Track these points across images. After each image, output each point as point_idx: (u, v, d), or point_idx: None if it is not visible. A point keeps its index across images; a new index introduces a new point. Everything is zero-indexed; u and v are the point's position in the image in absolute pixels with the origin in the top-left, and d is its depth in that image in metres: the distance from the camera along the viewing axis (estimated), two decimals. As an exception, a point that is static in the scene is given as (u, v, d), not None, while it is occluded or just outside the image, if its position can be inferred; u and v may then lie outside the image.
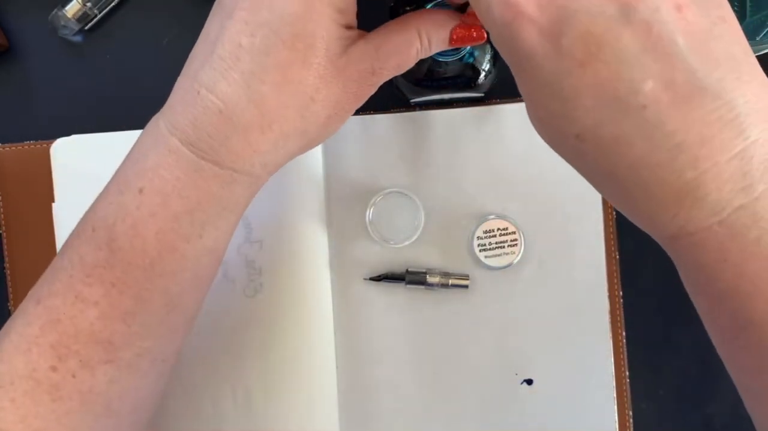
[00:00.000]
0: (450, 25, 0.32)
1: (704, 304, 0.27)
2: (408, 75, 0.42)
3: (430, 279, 0.44)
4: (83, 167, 0.45)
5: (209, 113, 0.29)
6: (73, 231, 0.32)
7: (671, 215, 0.25)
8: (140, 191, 0.30)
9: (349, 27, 0.31)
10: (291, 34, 0.29)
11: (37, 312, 0.31)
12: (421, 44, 0.32)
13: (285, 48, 0.29)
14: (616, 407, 0.45)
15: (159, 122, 0.31)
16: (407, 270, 0.45)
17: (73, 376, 0.31)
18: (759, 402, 0.28)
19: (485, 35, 0.32)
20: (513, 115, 0.45)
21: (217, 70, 0.29)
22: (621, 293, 0.45)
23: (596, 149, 0.25)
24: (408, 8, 0.35)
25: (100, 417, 0.32)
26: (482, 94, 0.44)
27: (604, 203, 0.45)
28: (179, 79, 0.32)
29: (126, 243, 0.30)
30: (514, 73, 0.27)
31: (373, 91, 0.33)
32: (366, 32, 0.32)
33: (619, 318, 0.45)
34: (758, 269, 0.24)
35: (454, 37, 0.32)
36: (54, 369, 0.30)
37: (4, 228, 0.46)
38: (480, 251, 0.45)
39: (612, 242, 0.45)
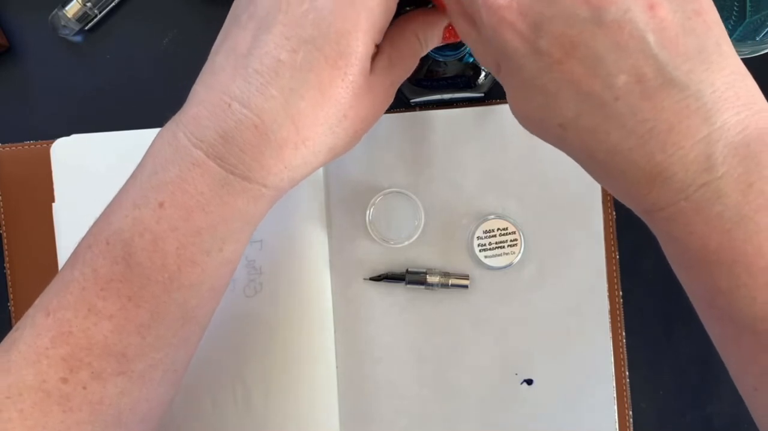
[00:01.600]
0: (442, 24, 0.34)
1: (681, 275, 0.29)
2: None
3: (430, 279, 0.44)
4: (83, 167, 0.45)
5: (242, 127, 0.29)
6: (83, 242, 0.32)
7: (644, 193, 0.27)
8: (160, 205, 0.30)
9: (375, 45, 0.31)
10: (335, 51, 0.29)
11: (47, 324, 0.30)
12: (420, 46, 0.34)
13: (327, 65, 0.29)
14: (616, 407, 0.45)
15: (177, 133, 0.30)
16: (407, 270, 0.45)
17: (84, 388, 0.30)
18: (739, 371, 0.29)
19: None
20: (513, 115, 0.45)
21: (253, 85, 0.29)
22: (621, 293, 0.45)
23: (577, 137, 0.27)
24: (408, 8, 0.36)
25: (110, 427, 0.32)
26: (482, 95, 0.44)
27: (604, 203, 0.45)
28: (199, 89, 0.30)
29: (144, 258, 0.30)
30: (502, 72, 0.29)
31: (390, 102, 0.34)
32: None
33: (619, 318, 0.45)
34: (720, 241, 0.26)
35: (446, 34, 0.34)
36: (65, 380, 0.30)
37: (4, 228, 0.46)
38: (480, 251, 0.45)
39: (612, 242, 0.45)
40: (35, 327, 0.31)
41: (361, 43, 0.29)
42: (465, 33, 0.30)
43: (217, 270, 0.32)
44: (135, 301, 0.30)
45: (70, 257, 0.32)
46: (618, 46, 0.25)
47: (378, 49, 0.32)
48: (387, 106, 0.34)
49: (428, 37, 0.34)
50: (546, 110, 0.27)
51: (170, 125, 0.31)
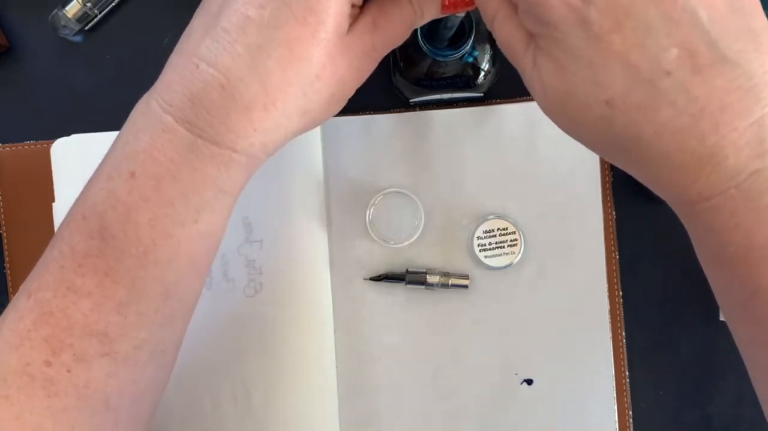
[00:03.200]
0: None
1: (716, 273, 0.28)
2: (408, 75, 0.42)
3: (430, 279, 0.44)
4: (83, 167, 0.44)
5: (209, 88, 0.28)
6: (64, 221, 0.31)
7: (691, 180, 0.26)
8: (132, 175, 0.29)
9: (354, 5, 0.31)
10: (304, 7, 0.28)
11: (28, 306, 0.30)
12: (416, 15, 0.32)
13: (296, 22, 0.28)
14: (616, 407, 0.45)
15: (150, 101, 0.30)
16: (407, 270, 0.45)
17: (68, 371, 0.30)
18: (766, 376, 0.28)
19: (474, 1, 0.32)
20: (513, 115, 0.45)
21: (220, 44, 0.28)
22: (621, 293, 0.45)
23: (624, 115, 0.26)
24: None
25: (99, 412, 0.31)
26: (482, 94, 0.44)
27: (604, 203, 0.45)
28: (172, 56, 0.30)
29: (119, 231, 0.29)
30: (538, 49, 0.27)
31: (373, 67, 0.33)
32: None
33: (619, 318, 0.45)
34: None
35: (446, 3, 0.32)
36: (48, 363, 0.30)
37: (4, 228, 0.46)
38: (480, 251, 0.45)
39: (612, 242, 0.45)
40: (18, 311, 0.30)
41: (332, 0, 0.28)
42: (491, 13, 0.29)
43: (194, 244, 0.31)
44: (112, 277, 0.30)
45: (52, 238, 0.31)
46: (671, 19, 0.24)
47: (362, 11, 0.31)
48: (368, 72, 0.32)
49: (425, 6, 0.32)
50: (592, 85, 0.26)
51: (146, 95, 0.31)
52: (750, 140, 0.24)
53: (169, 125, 0.29)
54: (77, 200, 0.31)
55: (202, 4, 0.31)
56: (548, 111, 0.29)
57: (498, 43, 0.30)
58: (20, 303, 0.31)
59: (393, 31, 0.32)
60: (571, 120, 0.28)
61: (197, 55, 0.29)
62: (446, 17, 0.34)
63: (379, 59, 0.32)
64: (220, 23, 0.28)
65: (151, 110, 0.29)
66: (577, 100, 0.27)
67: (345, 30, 0.30)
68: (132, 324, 0.31)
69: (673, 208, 0.28)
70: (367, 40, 0.31)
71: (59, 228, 0.31)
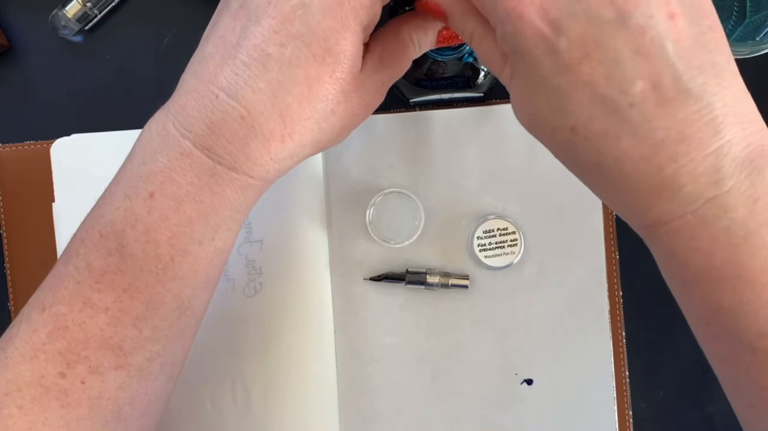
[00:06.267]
0: (437, 27, 0.34)
1: (679, 292, 0.29)
2: (408, 75, 0.42)
3: (430, 279, 0.44)
4: (83, 167, 0.45)
5: (229, 118, 0.29)
6: (76, 237, 0.32)
7: (649, 205, 0.26)
8: (151, 195, 0.30)
9: (365, 43, 0.32)
10: (323, 48, 0.29)
11: (42, 319, 0.31)
12: (414, 48, 0.34)
13: (315, 62, 0.29)
14: (616, 407, 0.45)
15: (167, 123, 0.30)
16: (407, 270, 0.45)
17: (83, 382, 0.30)
18: (736, 391, 0.29)
19: None
20: (513, 115, 0.45)
21: (240, 76, 0.29)
22: (621, 293, 0.45)
23: (586, 142, 0.26)
24: (408, 8, 0.36)
25: (110, 423, 0.32)
26: (482, 94, 0.44)
27: (604, 203, 0.45)
28: (187, 78, 0.31)
29: (138, 249, 0.30)
30: (512, 71, 0.28)
31: (382, 100, 0.34)
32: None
33: (619, 318, 0.45)
34: (726, 256, 0.26)
35: (440, 39, 0.34)
36: (62, 375, 0.30)
37: (4, 228, 0.46)
38: (480, 251, 0.45)
39: (612, 242, 0.45)
40: (31, 323, 0.31)
41: (349, 42, 0.29)
42: (468, 31, 0.30)
43: (211, 260, 0.32)
44: (130, 292, 0.30)
45: (63, 252, 0.32)
46: (638, 52, 0.24)
47: (368, 49, 0.32)
48: (377, 105, 0.34)
49: (422, 39, 0.34)
50: (558, 112, 0.27)
51: (159, 114, 0.31)
52: (707, 169, 0.25)
53: (188, 150, 0.30)
54: (90, 217, 0.32)
55: (214, 25, 0.31)
56: (526, 127, 0.30)
57: (479, 58, 0.31)
58: (34, 317, 0.31)
59: (396, 67, 0.34)
60: (542, 139, 0.29)
61: (216, 85, 0.29)
62: None
63: (386, 92, 0.34)
64: (239, 56, 0.29)
65: (168, 132, 0.30)
66: (544, 123, 0.28)
67: (359, 69, 0.31)
68: (147, 338, 0.31)
69: (635, 229, 0.29)
70: (377, 78, 0.33)
71: (72, 243, 0.32)
